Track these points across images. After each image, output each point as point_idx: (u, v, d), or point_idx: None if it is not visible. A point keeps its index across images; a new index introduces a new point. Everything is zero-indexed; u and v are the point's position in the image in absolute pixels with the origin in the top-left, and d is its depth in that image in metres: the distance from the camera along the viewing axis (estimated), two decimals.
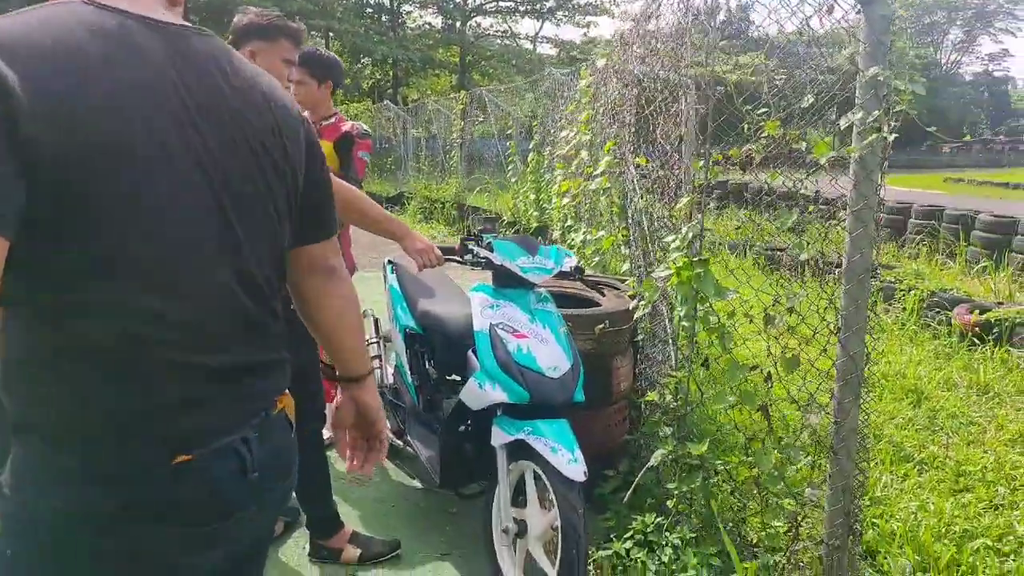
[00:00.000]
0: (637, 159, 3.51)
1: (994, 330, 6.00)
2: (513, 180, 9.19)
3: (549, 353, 2.44)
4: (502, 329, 2.47)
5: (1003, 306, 6.40)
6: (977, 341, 5.97)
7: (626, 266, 4.04)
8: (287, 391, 1.29)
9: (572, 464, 2.26)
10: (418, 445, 2.91)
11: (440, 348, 3.03)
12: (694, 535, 2.60)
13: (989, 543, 3.10)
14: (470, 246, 2.62)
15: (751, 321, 2.52)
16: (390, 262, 3.50)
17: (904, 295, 6.95)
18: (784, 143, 2.34)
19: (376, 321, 3.55)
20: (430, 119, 12.75)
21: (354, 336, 1.42)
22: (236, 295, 1.12)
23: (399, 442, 3.25)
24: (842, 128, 2.35)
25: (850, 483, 2.57)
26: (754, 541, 2.66)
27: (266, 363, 1.20)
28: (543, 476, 2.35)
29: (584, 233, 4.90)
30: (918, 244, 10.24)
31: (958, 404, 4.90)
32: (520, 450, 2.42)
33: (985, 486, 3.78)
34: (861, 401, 2.56)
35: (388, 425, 3.35)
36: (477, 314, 2.53)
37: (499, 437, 2.44)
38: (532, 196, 8.15)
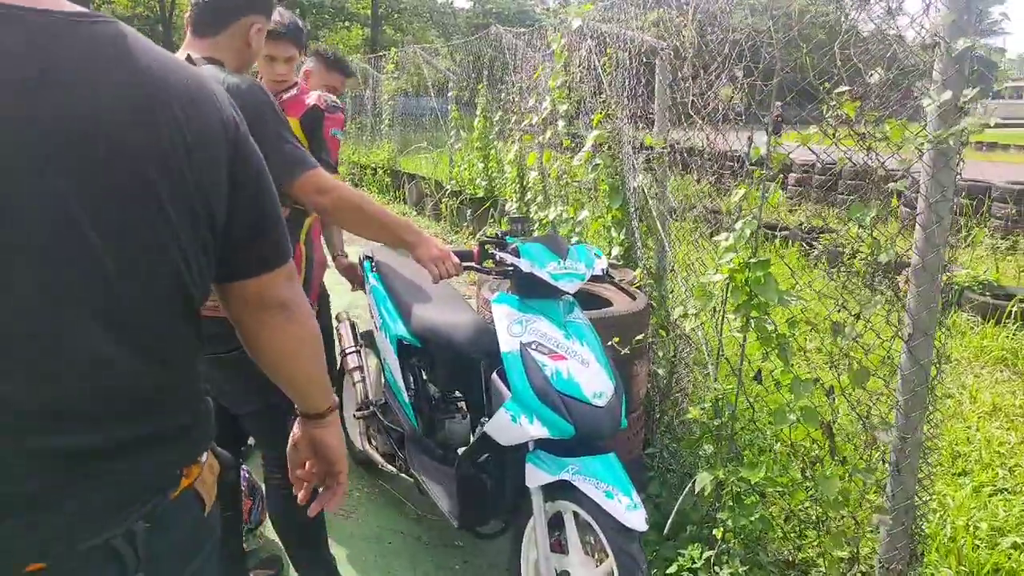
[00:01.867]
0: (645, 136, 3.14)
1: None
2: (456, 147, 8.67)
3: (592, 377, 2.08)
4: (536, 350, 2.08)
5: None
6: None
7: (615, 251, 3.71)
8: (201, 458, 1.07)
9: (632, 511, 1.92)
10: (425, 479, 2.51)
11: (442, 363, 2.63)
12: (746, 568, 2.33)
13: (1019, 540, 2.98)
14: (491, 251, 2.20)
15: (813, 329, 2.23)
16: (368, 258, 3.04)
17: (850, 259, 6.89)
18: (861, 122, 2.03)
19: (353, 326, 3.09)
20: (358, 78, 11.98)
21: (312, 369, 1.24)
22: (112, 362, 0.91)
23: (391, 467, 2.84)
24: (926, 109, 2.05)
25: (913, 503, 2.35)
26: (807, 568, 2.42)
27: (163, 434, 0.99)
28: (591, 522, 2.01)
29: (560, 211, 4.51)
30: (847, 204, 10.34)
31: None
32: (559, 489, 2.06)
33: (983, 468, 3.69)
34: (928, 413, 2.33)
35: (376, 452, 2.93)
36: (503, 331, 2.14)
37: (536, 477, 2.07)
38: (480, 165, 7.68)
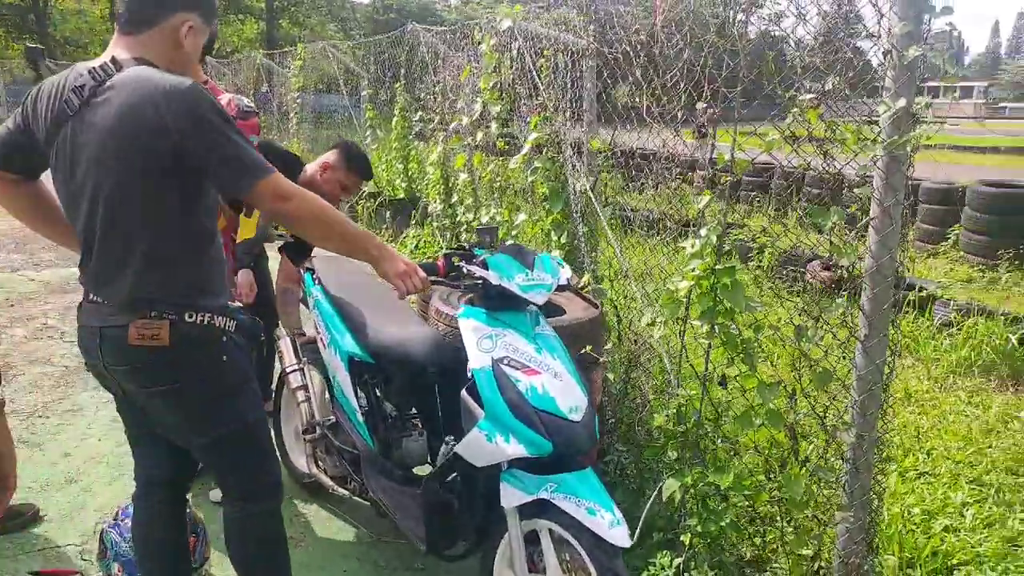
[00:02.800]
0: (590, 140, 3.11)
1: (845, 285, 6.33)
2: (372, 147, 8.43)
3: (566, 391, 2.02)
4: (508, 365, 2.00)
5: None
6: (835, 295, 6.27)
7: (555, 254, 3.68)
8: None
9: (616, 527, 1.88)
10: (386, 503, 2.39)
11: (397, 380, 2.51)
12: (714, 572, 2.34)
13: (949, 523, 3.13)
14: (457, 263, 2.11)
15: (775, 332, 2.27)
16: (308, 270, 2.88)
17: (758, 254, 7.12)
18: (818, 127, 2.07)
19: (294, 342, 2.92)
20: (260, 74, 11.47)
21: None
22: None
23: (343, 491, 2.70)
24: (881, 116, 2.10)
25: (869, 498, 2.42)
26: (765, 565, 2.45)
27: None
28: (570, 540, 1.96)
29: (493, 214, 4.44)
30: (752, 200, 10.77)
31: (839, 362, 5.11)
32: (535, 507, 2.00)
33: (904, 453, 3.87)
34: (883, 410, 2.40)
35: (326, 476, 2.77)
36: (472, 347, 2.05)
37: (512, 497, 2.00)
38: (399, 166, 7.48)
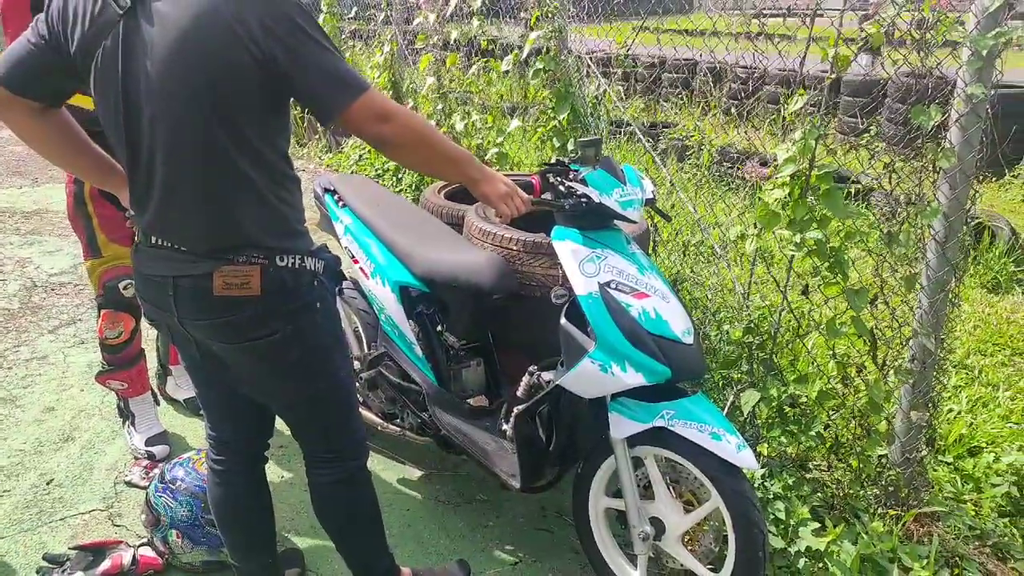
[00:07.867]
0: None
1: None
2: None
3: (676, 312, 1.90)
4: (617, 289, 1.85)
5: None
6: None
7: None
8: None
9: (743, 450, 1.81)
10: (466, 441, 2.23)
11: (456, 309, 2.32)
12: (792, 479, 2.36)
13: (951, 407, 3.28)
14: (553, 181, 1.90)
15: (862, 240, 2.21)
16: (329, 191, 2.58)
17: (695, 153, 7.13)
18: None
19: None
20: None
21: None
22: None
23: (393, 428, 2.53)
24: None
25: (933, 395, 2.48)
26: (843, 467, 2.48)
27: None
28: (689, 467, 1.89)
29: (474, 120, 4.15)
30: (675, 98, 10.73)
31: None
32: (644, 435, 1.91)
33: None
34: (951, 312, 2.42)
35: (373, 413, 2.58)
36: (575, 271, 1.88)
37: (624, 427, 1.89)
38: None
